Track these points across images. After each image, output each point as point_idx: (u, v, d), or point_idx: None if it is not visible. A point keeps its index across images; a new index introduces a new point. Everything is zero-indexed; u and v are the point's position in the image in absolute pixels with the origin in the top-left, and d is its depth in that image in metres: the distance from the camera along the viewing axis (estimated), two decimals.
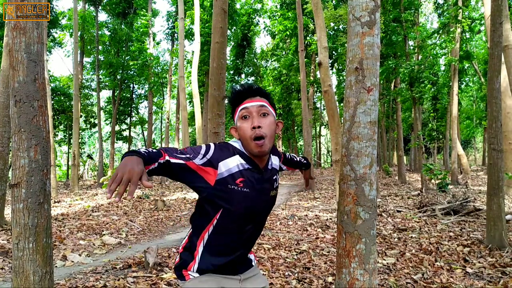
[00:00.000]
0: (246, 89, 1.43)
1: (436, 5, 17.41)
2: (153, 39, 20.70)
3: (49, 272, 2.15)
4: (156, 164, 1.21)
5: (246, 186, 1.38)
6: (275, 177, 1.53)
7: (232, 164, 1.37)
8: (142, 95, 23.58)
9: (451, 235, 5.25)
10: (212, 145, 1.39)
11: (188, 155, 1.31)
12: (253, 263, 1.62)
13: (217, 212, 1.39)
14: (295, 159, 1.89)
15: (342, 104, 19.01)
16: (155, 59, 19.98)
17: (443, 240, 4.98)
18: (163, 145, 25.20)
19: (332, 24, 15.76)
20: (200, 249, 1.45)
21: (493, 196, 4.47)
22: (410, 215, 6.96)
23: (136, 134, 35.20)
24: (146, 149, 1.22)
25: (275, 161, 1.55)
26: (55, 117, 21.31)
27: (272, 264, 4.00)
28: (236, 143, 1.45)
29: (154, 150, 1.24)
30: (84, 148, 31.76)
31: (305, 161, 1.95)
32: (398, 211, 7.52)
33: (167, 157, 1.25)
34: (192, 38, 18.31)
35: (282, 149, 34.25)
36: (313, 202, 9.81)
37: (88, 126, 24.48)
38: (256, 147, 1.36)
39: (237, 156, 1.40)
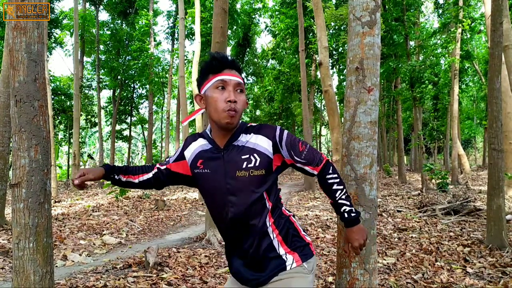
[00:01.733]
0: (226, 60, 1.36)
1: (436, 5, 17.38)
2: (154, 39, 20.68)
3: (49, 272, 2.15)
4: (144, 176, 1.53)
5: (206, 167, 1.38)
6: (246, 156, 1.34)
7: (193, 148, 1.43)
8: (142, 95, 23.58)
9: (451, 235, 5.25)
10: (187, 138, 1.51)
11: (169, 158, 1.51)
12: (286, 266, 1.35)
13: (204, 198, 1.46)
14: (333, 187, 1.40)
15: (343, 104, 18.98)
16: (155, 59, 19.98)
17: (444, 240, 4.98)
18: (163, 145, 25.19)
19: (333, 24, 15.73)
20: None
21: (493, 196, 4.46)
22: (411, 215, 6.95)
23: (136, 134, 35.21)
24: (136, 167, 1.55)
25: (257, 140, 1.37)
26: (56, 117, 21.31)
27: None
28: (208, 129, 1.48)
29: (148, 165, 1.58)
30: (84, 148, 31.78)
31: (348, 208, 1.39)
32: (399, 211, 7.51)
33: (158, 165, 1.54)
34: (193, 38, 18.30)
35: None
36: (314, 202, 9.81)
37: (89, 125, 24.48)
38: (226, 118, 1.30)
39: (200, 139, 1.44)
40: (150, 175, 1.53)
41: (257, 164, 1.34)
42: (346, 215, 1.38)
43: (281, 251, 1.37)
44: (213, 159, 1.37)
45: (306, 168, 1.41)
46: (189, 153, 1.44)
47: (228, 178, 1.34)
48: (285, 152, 1.38)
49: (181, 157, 1.46)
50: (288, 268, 1.35)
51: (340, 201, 1.39)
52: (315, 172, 1.42)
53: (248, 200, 1.34)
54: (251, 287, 1.37)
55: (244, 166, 1.33)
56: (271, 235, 1.37)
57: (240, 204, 1.35)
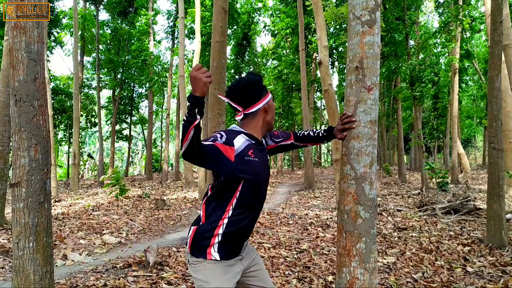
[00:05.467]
0: None
1: (436, 4, 17.36)
2: (154, 38, 20.65)
3: (49, 271, 2.15)
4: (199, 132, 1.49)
5: (256, 156, 1.67)
6: (265, 151, 1.83)
7: (241, 140, 1.67)
8: (142, 94, 23.56)
9: (451, 234, 5.26)
10: (221, 131, 1.69)
11: (211, 139, 1.61)
12: None
13: (238, 185, 1.62)
14: (305, 132, 1.94)
15: (343, 103, 18.94)
16: (155, 58, 19.94)
17: (443, 239, 4.98)
18: (164, 145, 25.21)
19: (333, 23, 15.69)
20: (224, 222, 1.62)
21: (493, 195, 4.47)
22: (411, 214, 6.96)
23: (136, 133, 35.19)
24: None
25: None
26: (56, 117, 21.28)
27: (273, 263, 4.00)
28: (235, 128, 1.75)
29: None
30: (84, 147, 31.76)
31: (314, 133, 1.93)
32: (399, 210, 7.52)
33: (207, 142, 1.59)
34: (193, 37, 18.27)
35: None
36: (313, 201, 9.81)
37: (89, 125, 24.47)
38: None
39: (242, 135, 1.70)
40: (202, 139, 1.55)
41: (267, 157, 1.82)
42: (324, 131, 1.89)
43: None
44: (260, 151, 1.72)
45: (287, 142, 1.92)
46: (239, 142, 1.65)
47: (266, 166, 1.75)
48: (269, 140, 1.88)
49: (228, 143, 1.61)
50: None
51: (316, 133, 1.91)
52: (292, 141, 1.92)
53: (268, 183, 1.79)
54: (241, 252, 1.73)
55: (268, 158, 1.82)
56: None
57: (266, 186, 1.77)
